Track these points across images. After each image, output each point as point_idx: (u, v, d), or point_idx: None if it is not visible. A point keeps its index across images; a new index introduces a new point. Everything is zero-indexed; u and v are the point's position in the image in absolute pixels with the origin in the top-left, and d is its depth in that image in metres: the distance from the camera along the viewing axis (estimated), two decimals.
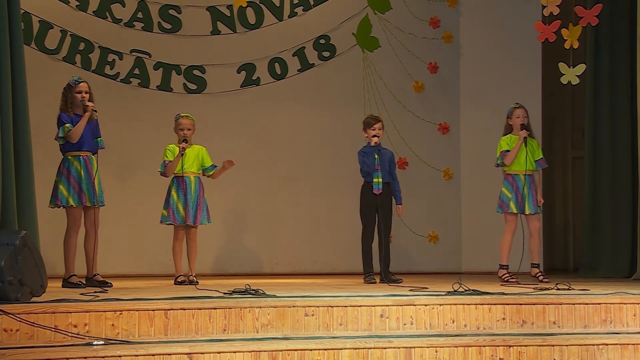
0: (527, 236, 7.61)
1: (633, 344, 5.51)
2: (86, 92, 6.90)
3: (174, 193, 7.39)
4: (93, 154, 6.96)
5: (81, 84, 6.93)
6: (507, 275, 7.45)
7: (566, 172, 10.19)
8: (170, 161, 7.37)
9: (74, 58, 8.99)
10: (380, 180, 7.54)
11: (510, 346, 5.41)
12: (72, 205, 6.82)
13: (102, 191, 6.98)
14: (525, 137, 7.49)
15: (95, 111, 6.87)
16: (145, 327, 5.21)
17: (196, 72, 9.29)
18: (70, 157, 6.88)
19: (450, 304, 5.61)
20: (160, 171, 7.45)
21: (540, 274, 7.46)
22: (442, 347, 5.34)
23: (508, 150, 7.54)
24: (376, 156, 7.52)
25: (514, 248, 7.56)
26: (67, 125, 6.80)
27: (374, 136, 7.56)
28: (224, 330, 5.32)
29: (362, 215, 7.65)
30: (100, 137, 7.02)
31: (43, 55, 8.90)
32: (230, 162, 7.49)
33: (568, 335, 5.60)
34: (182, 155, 7.33)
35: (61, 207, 6.89)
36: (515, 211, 7.49)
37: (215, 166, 7.54)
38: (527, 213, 7.51)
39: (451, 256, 9.67)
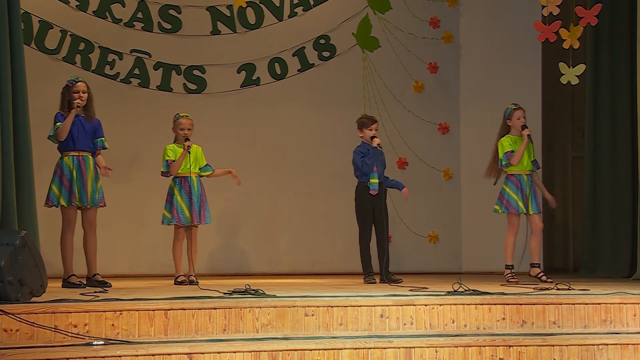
0: (529, 235, 7.60)
1: (633, 344, 5.52)
2: (83, 92, 6.88)
3: (177, 194, 7.36)
4: (91, 154, 6.95)
5: (78, 83, 6.91)
6: (510, 275, 7.45)
7: (566, 172, 10.19)
8: (174, 160, 7.36)
9: (74, 58, 8.99)
10: (377, 180, 7.52)
11: (510, 346, 5.41)
12: (63, 204, 6.82)
13: (100, 191, 6.96)
14: (529, 135, 7.46)
15: (79, 107, 6.80)
16: (145, 327, 5.21)
17: (196, 72, 9.29)
18: (65, 157, 6.89)
19: (450, 304, 5.61)
20: (163, 171, 7.43)
21: (542, 273, 7.45)
22: (442, 347, 5.34)
23: (512, 151, 7.52)
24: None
25: (515, 248, 7.55)
26: (58, 124, 6.83)
27: (374, 137, 7.54)
28: (224, 330, 5.31)
29: (359, 217, 7.62)
30: (102, 137, 7.03)
31: (43, 55, 8.90)
32: (237, 178, 7.59)
33: (568, 335, 5.60)
34: (189, 153, 7.32)
35: (53, 207, 6.88)
36: (524, 211, 7.47)
37: (209, 165, 7.55)
38: (531, 213, 7.50)
39: (451, 256, 9.67)
